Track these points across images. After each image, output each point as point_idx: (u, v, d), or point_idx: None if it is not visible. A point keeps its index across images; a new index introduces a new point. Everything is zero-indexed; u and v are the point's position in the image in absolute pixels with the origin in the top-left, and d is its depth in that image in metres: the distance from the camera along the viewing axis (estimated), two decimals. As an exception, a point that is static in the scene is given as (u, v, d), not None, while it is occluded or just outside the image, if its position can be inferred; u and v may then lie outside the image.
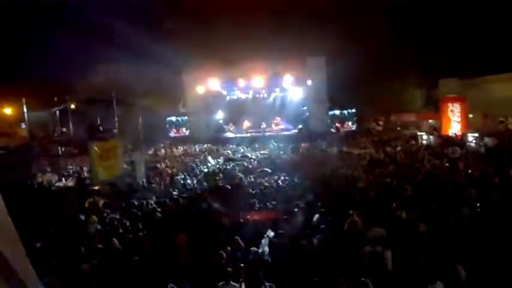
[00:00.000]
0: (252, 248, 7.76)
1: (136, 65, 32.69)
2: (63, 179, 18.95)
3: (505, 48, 26.82)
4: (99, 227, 10.07)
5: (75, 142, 29.04)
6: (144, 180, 16.53)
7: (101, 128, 31.33)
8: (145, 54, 31.03)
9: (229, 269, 6.65)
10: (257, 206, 11.45)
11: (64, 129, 33.70)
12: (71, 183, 17.61)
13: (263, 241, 8.32)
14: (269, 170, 19.14)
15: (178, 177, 17.75)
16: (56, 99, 31.74)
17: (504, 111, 27.20)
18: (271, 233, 8.74)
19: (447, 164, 17.18)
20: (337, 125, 34.23)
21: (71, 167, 22.72)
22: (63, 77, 30.92)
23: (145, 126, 32.06)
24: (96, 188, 15.06)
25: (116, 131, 27.62)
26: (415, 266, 7.00)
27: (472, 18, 28.39)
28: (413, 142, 25.91)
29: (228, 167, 21.22)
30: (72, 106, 32.52)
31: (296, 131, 34.09)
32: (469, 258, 7.34)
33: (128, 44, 30.41)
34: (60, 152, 26.64)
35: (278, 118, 35.98)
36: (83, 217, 10.88)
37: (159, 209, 11.37)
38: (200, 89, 33.49)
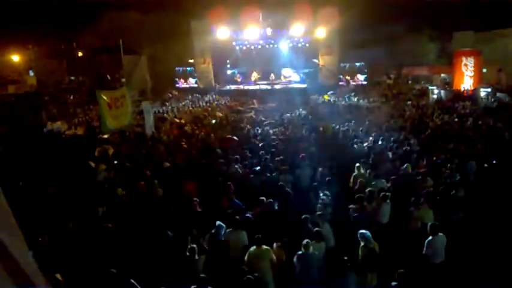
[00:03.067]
0: (260, 198, 7.89)
1: (144, 13, 32.03)
2: (72, 127, 19.14)
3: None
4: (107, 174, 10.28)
5: (83, 90, 29.10)
6: (153, 130, 16.64)
7: (108, 76, 31.35)
8: (154, 1, 30.32)
9: (237, 217, 6.85)
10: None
11: (72, 78, 33.67)
12: (80, 131, 17.79)
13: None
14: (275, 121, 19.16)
15: (187, 128, 17.84)
16: (63, 47, 31.49)
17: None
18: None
19: (456, 119, 17.02)
20: (347, 77, 33.65)
21: (80, 115, 22.86)
22: (71, 24, 30.44)
23: (153, 76, 31.89)
24: (106, 136, 15.22)
25: (123, 79, 27.57)
26: (415, 219, 7.16)
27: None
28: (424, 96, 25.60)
29: (236, 118, 21.23)
30: (80, 54, 32.31)
31: (305, 84, 33.59)
32: (474, 212, 7.47)
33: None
34: (69, 100, 26.73)
35: (288, 70, 35.39)
36: (93, 165, 11.07)
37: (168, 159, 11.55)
38: (209, 39, 32.80)
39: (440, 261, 6.21)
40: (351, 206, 7.75)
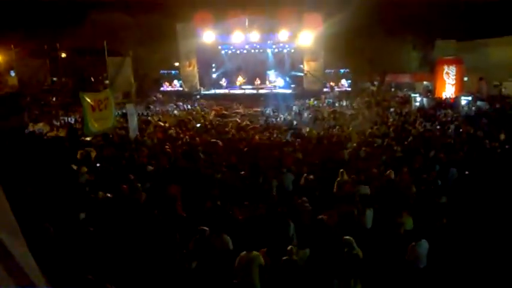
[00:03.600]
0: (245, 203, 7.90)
1: (129, 14, 31.76)
2: (54, 129, 18.84)
3: (504, 11, 26.32)
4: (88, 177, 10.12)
5: (66, 92, 28.68)
6: (138, 133, 16.49)
7: (92, 78, 30.99)
8: (139, 3, 30.11)
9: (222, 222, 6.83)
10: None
11: (55, 79, 33.14)
12: (62, 133, 17.52)
13: None
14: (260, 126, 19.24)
15: (171, 131, 17.73)
16: (46, 47, 30.96)
17: (500, 76, 27.06)
18: None
19: (438, 127, 17.32)
20: (331, 83, 33.93)
21: (63, 117, 22.50)
22: (54, 24, 29.94)
23: (137, 78, 31.61)
24: (88, 139, 15.01)
25: (107, 81, 27.27)
26: (398, 225, 7.23)
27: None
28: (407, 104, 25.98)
29: (221, 123, 21.23)
30: (63, 55, 31.81)
31: (290, 90, 33.73)
32: (454, 218, 7.59)
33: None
34: (52, 101, 26.29)
35: (273, 75, 35.47)
36: (75, 167, 10.89)
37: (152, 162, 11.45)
38: (194, 42, 32.69)
39: (423, 267, 6.29)
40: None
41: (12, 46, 29.47)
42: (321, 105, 27.96)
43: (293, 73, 35.02)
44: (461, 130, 16.07)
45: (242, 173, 10.24)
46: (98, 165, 11.54)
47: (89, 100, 13.68)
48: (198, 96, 32.73)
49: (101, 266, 5.73)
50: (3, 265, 1.42)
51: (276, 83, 35.07)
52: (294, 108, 26.93)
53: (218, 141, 15.10)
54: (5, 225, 1.48)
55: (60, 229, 6.89)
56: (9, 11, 28.54)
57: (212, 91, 34.60)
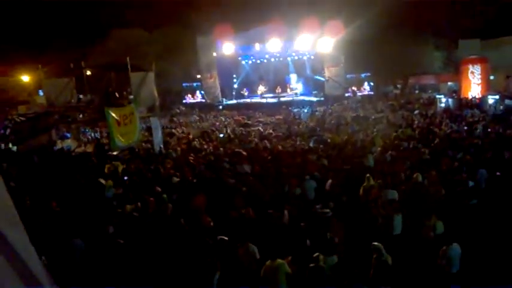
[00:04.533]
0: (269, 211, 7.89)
1: (151, 30, 32.45)
2: (82, 145, 19.32)
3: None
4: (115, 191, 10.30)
5: (92, 108, 29.37)
6: (162, 146, 16.72)
7: (116, 94, 31.64)
8: (160, 18, 30.75)
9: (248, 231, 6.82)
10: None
11: (81, 96, 34.00)
12: (90, 149, 17.94)
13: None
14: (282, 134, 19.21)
15: (195, 143, 17.91)
16: (72, 65, 31.84)
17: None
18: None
19: (465, 128, 16.92)
20: (353, 88, 33.62)
21: (89, 133, 23.06)
22: (79, 43, 30.91)
23: (160, 92, 32.08)
24: (115, 153, 15.32)
25: (131, 96, 27.76)
26: (427, 229, 7.06)
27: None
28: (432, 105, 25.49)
29: (244, 132, 21.30)
30: (88, 73, 32.63)
31: (312, 97, 33.59)
32: (486, 222, 7.38)
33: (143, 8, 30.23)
34: (78, 118, 26.98)
35: (294, 82, 35.45)
36: (103, 182, 11.11)
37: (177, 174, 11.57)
38: (215, 54, 33.07)
39: (456, 271, 6.12)
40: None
41: (40, 66, 30.46)
42: (343, 109, 27.74)
43: (315, 77, 34.92)
44: (489, 130, 15.64)
45: (266, 181, 10.22)
46: (125, 178, 11.75)
47: (114, 115, 14.00)
48: (220, 107, 32.99)
49: (130, 276, 5.81)
50: (5, 259, 1.41)
51: (297, 90, 34.98)
52: (317, 114, 26.83)
53: (242, 150, 15.13)
54: (7, 220, 1.46)
55: (91, 243, 7.04)
56: (35, 33, 29.62)
57: (234, 101, 34.84)
